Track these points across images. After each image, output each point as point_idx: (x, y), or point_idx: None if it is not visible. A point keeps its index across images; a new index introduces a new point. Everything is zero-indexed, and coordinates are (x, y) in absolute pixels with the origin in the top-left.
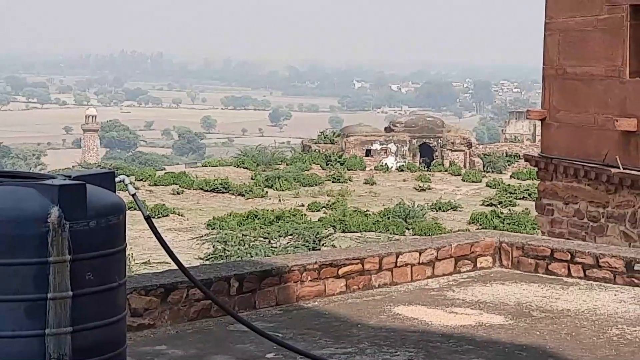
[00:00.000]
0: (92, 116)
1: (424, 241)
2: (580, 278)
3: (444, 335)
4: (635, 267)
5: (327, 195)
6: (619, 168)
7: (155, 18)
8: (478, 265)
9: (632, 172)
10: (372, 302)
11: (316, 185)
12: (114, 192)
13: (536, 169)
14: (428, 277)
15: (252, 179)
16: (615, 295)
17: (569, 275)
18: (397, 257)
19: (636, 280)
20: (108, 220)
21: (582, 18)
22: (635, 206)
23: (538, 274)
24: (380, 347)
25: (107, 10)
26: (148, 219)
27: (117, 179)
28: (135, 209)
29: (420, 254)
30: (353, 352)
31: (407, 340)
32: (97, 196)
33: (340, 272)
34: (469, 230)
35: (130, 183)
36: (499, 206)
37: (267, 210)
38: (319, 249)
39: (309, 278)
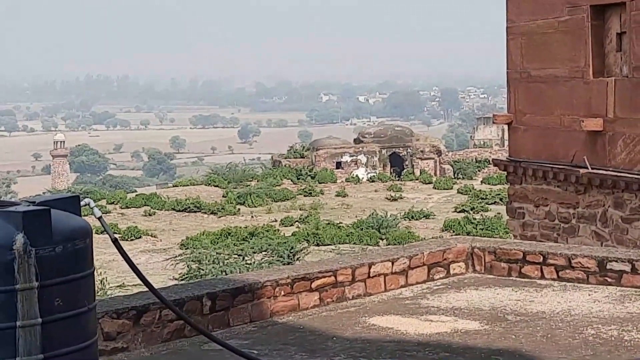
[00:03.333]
0: (61, 141)
1: (396, 250)
2: (554, 280)
3: (420, 343)
4: (608, 266)
5: (300, 210)
6: (587, 168)
7: (120, 40)
8: (451, 271)
9: (601, 171)
10: (346, 314)
11: (288, 200)
12: (80, 215)
13: (505, 173)
14: (402, 286)
15: (223, 196)
16: (589, 295)
17: (542, 277)
18: (370, 268)
19: (609, 280)
20: (74, 244)
21: (543, 20)
22: (605, 205)
23: (511, 278)
24: (357, 358)
25: (71, 35)
26: (115, 241)
27: (82, 203)
28: (105, 232)
29: (392, 264)
30: None
31: (384, 351)
32: (63, 221)
33: (314, 285)
34: (442, 238)
35: (96, 206)
36: (471, 212)
37: (240, 227)
38: (294, 264)
39: (282, 293)
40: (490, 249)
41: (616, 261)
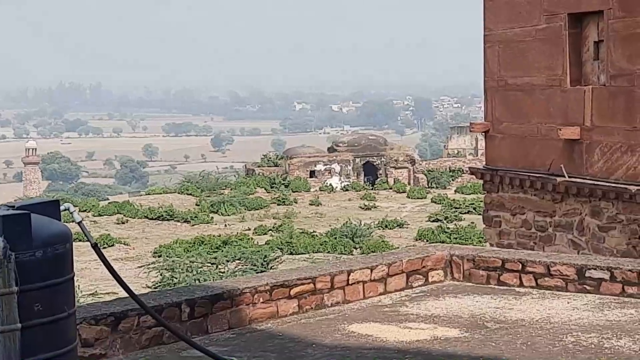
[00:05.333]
0: (33, 149)
1: (375, 258)
2: (533, 287)
3: (400, 351)
4: (587, 274)
5: (273, 218)
6: (564, 177)
7: (93, 48)
8: (430, 279)
9: (577, 180)
10: (325, 321)
11: (261, 208)
12: (60, 220)
13: (482, 181)
14: (380, 294)
15: (196, 205)
16: (568, 302)
17: (521, 285)
18: (349, 275)
19: (588, 287)
20: (55, 249)
21: (520, 29)
22: (582, 214)
23: (490, 285)
24: None
25: (44, 42)
26: (95, 246)
27: (62, 208)
28: (79, 240)
29: (371, 271)
30: None
31: (363, 358)
32: (43, 225)
33: (292, 292)
34: (419, 246)
35: (75, 210)
36: (444, 221)
37: (214, 236)
38: (268, 272)
39: (261, 300)
40: (469, 256)
41: (595, 269)
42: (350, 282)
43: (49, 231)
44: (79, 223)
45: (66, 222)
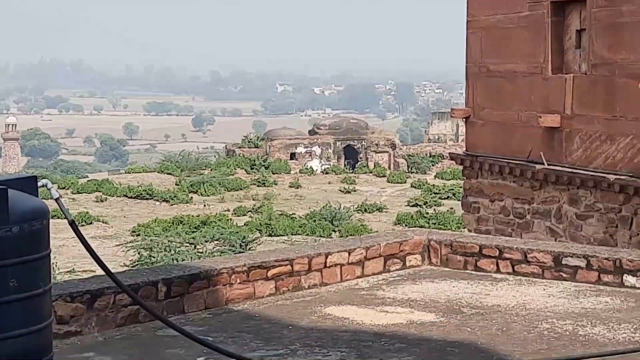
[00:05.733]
0: (12, 125)
1: (353, 241)
2: (509, 274)
3: (376, 334)
4: (564, 261)
5: (253, 200)
6: (543, 164)
7: (75, 25)
8: (407, 263)
9: (557, 168)
10: (302, 303)
11: (241, 189)
12: (37, 196)
13: (461, 167)
14: (358, 277)
15: (176, 184)
16: (544, 289)
17: (498, 271)
18: (327, 258)
19: (564, 275)
20: (31, 225)
21: (503, 15)
22: (560, 202)
23: (467, 271)
24: (312, 347)
25: (26, 18)
26: (72, 223)
27: (39, 184)
28: (57, 217)
29: (349, 254)
30: (284, 353)
31: (339, 341)
32: (20, 201)
33: (270, 273)
34: (398, 230)
35: (53, 187)
36: (424, 206)
37: (193, 216)
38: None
39: (238, 281)
40: (446, 242)
41: (571, 257)
42: (327, 265)
43: (26, 207)
44: (57, 199)
45: (44, 199)
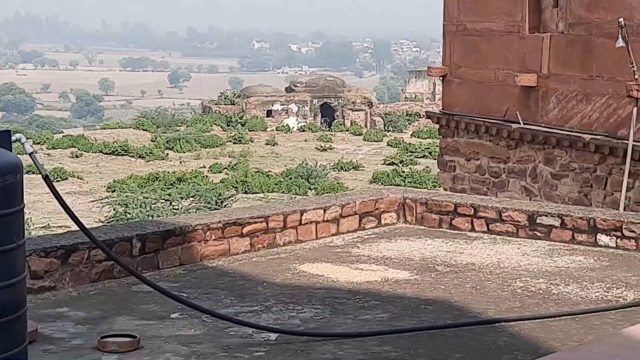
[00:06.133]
0: None
1: (329, 198)
2: (484, 232)
3: (350, 291)
4: (538, 220)
5: (229, 157)
6: (519, 123)
7: None
8: (382, 221)
9: (532, 127)
10: (277, 260)
11: (217, 146)
12: (10, 151)
13: (438, 126)
14: (333, 235)
15: (152, 141)
16: (518, 248)
17: (473, 229)
18: (302, 215)
19: (539, 234)
20: (4, 179)
21: None
22: (536, 161)
23: (442, 229)
24: (287, 304)
25: None
26: (46, 178)
27: (13, 138)
28: (32, 172)
29: (324, 212)
30: (259, 310)
31: (314, 298)
32: None
33: (245, 230)
34: (374, 188)
35: (27, 142)
36: (400, 165)
37: (168, 173)
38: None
39: (213, 237)
40: (421, 200)
41: (546, 215)
42: (303, 222)
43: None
44: (31, 154)
45: (18, 154)
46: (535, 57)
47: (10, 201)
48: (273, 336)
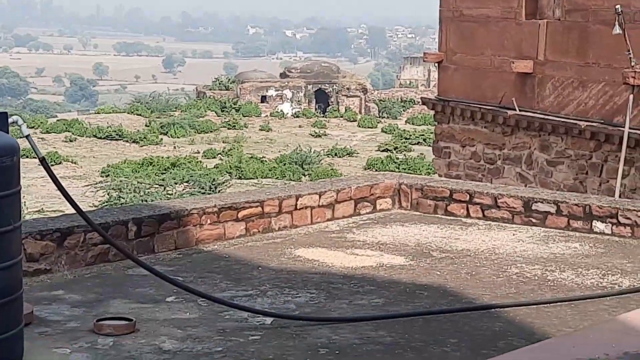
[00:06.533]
0: None
1: (324, 184)
2: (479, 218)
3: (345, 276)
4: (534, 207)
5: (223, 142)
6: (515, 110)
7: None
8: (378, 207)
9: (528, 113)
10: (272, 245)
11: (211, 132)
12: (7, 133)
13: (433, 112)
14: (328, 220)
15: (146, 126)
16: (513, 234)
17: (468, 215)
18: (297, 200)
19: (534, 220)
20: (1, 161)
21: None
22: (531, 148)
23: (437, 215)
24: (282, 289)
25: None
26: (43, 160)
27: (10, 120)
28: (26, 156)
29: (320, 197)
30: (254, 294)
31: (309, 282)
32: None
33: (240, 215)
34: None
35: (24, 124)
36: (394, 151)
37: (162, 158)
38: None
39: (209, 221)
40: (417, 185)
41: (542, 202)
42: (298, 207)
43: None
44: (27, 137)
45: (15, 137)
46: (531, 43)
47: (7, 183)
48: (268, 320)
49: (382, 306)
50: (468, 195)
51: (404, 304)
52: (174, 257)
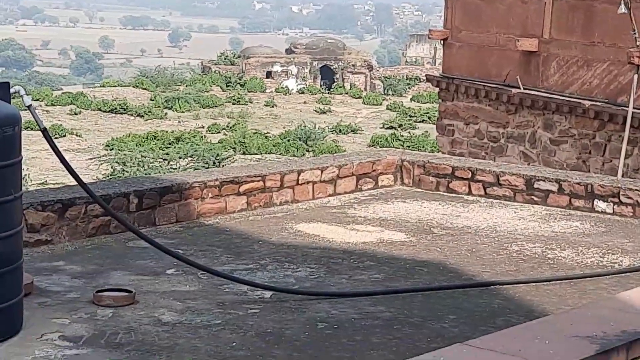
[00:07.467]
0: None
1: (326, 159)
2: (481, 196)
3: (346, 251)
4: (536, 185)
5: (227, 117)
6: (519, 88)
7: None
8: (379, 183)
9: (532, 92)
10: (273, 220)
11: (216, 107)
12: (9, 103)
13: (437, 89)
14: (330, 195)
15: (151, 100)
16: (515, 212)
17: (470, 193)
18: (299, 175)
19: (536, 198)
20: (3, 131)
21: None
22: (535, 126)
23: (439, 192)
24: (282, 263)
25: None
26: (44, 131)
27: (12, 90)
28: (30, 128)
29: (322, 172)
30: (254, 268)
31: (309, 257)
32: None
33: (242, 189)
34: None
35: (27, 94)
36: (399, 129)
37: (167, 132)
38: None
39: (210, 195)
40: (419, 162)
41: (543, 180)
42: (300, 182)
43: None
44: (29, 107)
45: (19, 108)
46: (537, 21)
47: (8, 153)
48: (268, 294)
49: (382, 282)
50: (470, 173)
51: (404, 280)
52: (174, 230)
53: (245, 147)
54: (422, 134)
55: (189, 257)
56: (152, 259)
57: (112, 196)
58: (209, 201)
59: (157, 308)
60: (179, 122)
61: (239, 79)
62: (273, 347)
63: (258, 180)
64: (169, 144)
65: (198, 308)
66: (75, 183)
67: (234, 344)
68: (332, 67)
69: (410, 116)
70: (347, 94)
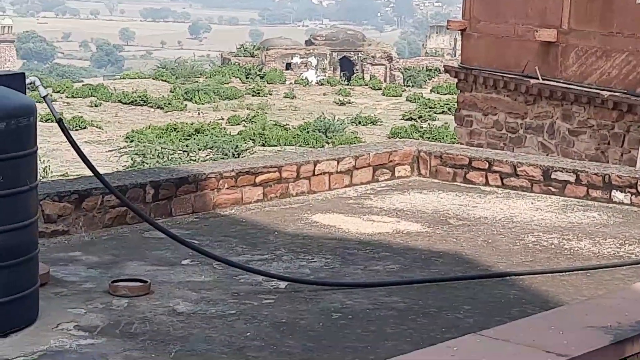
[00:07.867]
0: (8, 27)
1: (342, 150)
2: (498, 187)
3: (361, 242)
4: (553, 176)
5: (247, 109)
6: (538, 79)
7: None
8: (396, 174)
9: (551, 83)
10: (289, 210)
11: (236, 98)
12: (25, 93)
13: (456, 80)
14: (346, 186)
15: (171, 92)
16: (532, 203)
17: (487, 184)
18: (315, 166)
19: (553, 189)
20: (18, 121)
21: None
22: (553, 117)
23: (456, 183)
24: (297, 253)
25: None
26: (60, 122)
27: (27, 81)
28: (51, 120)
29: (338, 163)
30: (270, 258)
31: (324, 248)
32: (6, 97)
33: (258, 180)
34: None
35: (42, 85)
36: (418, 120)
37: (186, 124)
38: None
39: (226, 186)
40: (436, 153)
41: (561, 171)
42: (316, 173)
43: (13, 103)
44: (44, 97)
45: (37, 101)
46: (555, 12)
47: (23, 144)
48: (282, 284)
49: (397, 272)
50: (487, 163)
51: (419, 271)
52: (190, 220)
53: (265, 138)
54: (442, 125)
55: (205, 248)
56: (167, 249)
57: (128, 187)
58: (225, 192)
59: (172, 298)
60: (199, 113)
61: (259, 71)
62: (287, 337)
63: (274, 171)
64: (189, 135)
65: (213, 298)
66: (92, 174)
67: (249, 334)
68: (351, 59)
69: (430, 107)
70: (366, 85)
